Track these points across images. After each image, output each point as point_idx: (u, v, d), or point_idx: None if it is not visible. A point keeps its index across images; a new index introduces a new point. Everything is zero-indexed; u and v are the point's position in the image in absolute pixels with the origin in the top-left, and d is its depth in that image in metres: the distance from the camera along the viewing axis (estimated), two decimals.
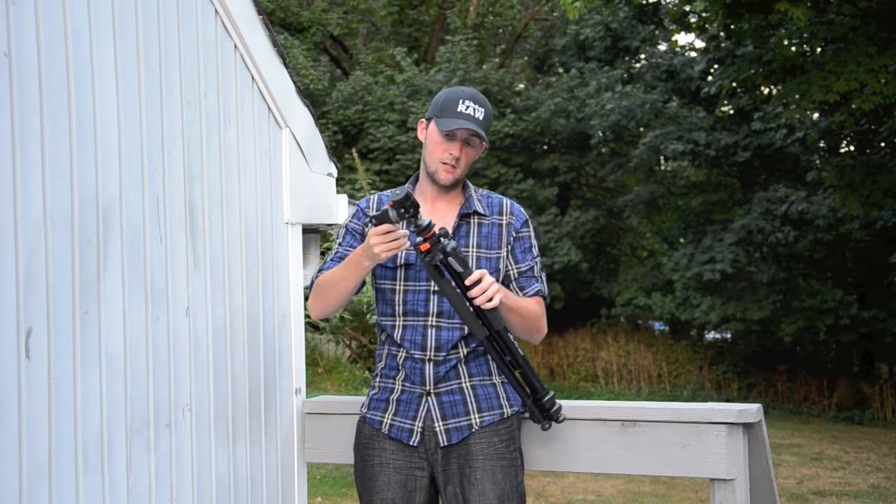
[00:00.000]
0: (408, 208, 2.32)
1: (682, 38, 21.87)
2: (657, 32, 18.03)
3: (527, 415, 2.71)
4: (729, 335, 18.64)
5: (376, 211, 2.66)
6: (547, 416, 2.61)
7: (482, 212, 2.66)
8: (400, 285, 2.63)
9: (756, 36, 11.22)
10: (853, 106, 10.85)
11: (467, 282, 2.39)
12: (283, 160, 3.06)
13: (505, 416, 2.63)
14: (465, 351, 2.61)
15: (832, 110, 12.93)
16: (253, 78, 2.92)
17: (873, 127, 13.15)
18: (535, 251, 2.71)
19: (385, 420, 2.65)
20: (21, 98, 1.98)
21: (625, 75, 18.07)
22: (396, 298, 2.63)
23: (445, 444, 2.58)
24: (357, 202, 2.84)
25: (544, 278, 2.72)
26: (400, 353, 2.64)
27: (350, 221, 2.75)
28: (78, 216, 2.14)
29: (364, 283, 2.65)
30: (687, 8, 12.62)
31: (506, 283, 2.65)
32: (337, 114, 17.76)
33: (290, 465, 3.05)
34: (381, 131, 17.48)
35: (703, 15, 12.34)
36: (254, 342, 2.88)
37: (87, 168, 2.18)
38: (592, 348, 17.94)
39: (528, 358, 2.58)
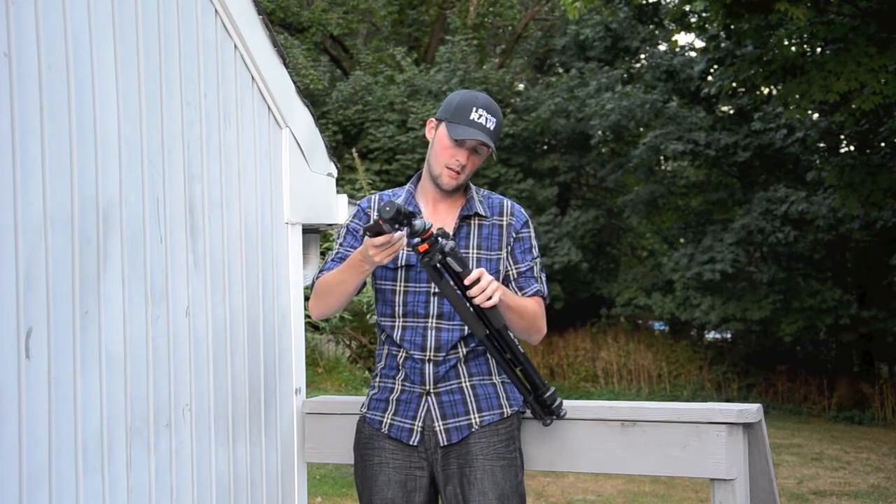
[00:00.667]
0: (400, 221, 2.31)
1: (682, 38, 21.87)
2: (657, 32, 18.04)
3: (527, 413, 2.71)
4: (729, 335, 18.65)
5: (377, 211, 2.66)
6: (548, 411, 2.62)
7: (483, 213, 2.66)
8: (400, 286, 2.63)
9: (756, 36, 11.22)
10: (853, 106, 10.85)
11: (466, 281, 2.39)
12: (283, 160, 3.06)
13: (505, 415, 2.63)
14: (464, 351, 2.61)
15: (832, 110, 12.93)
16: (253, 78, 2.92)
17: (873, 127, 13.15)
18: (536, 252, 2.71)
19: (385, 420, 2.65)
20: (21, 98, 1.98)
21: (625, 75, 18.07)
22: (396, 299, 2.63)
23: (445, 443, 2.58)
24: (357, 202, 2.84)
25: (544, 279, 2.72)
26: (400, 354, 2.64)
27: (351, 221, 2.75)
28: (78, 216, 2.15)
29: (364, 284, 2.65)
30: (687, 8, 12.62)
31: (505, 283, 2.65)
32: (337, 114, 17.76)
33: (290, 465, 3.05)
34: (381, 131, 17.48)
35: (703, 15, 12.35)
36: (254, 342, 2.88)
37: (87, 168, 2.18)
38: (592, 348, 17.94)
39: (528, 355, 2.58)
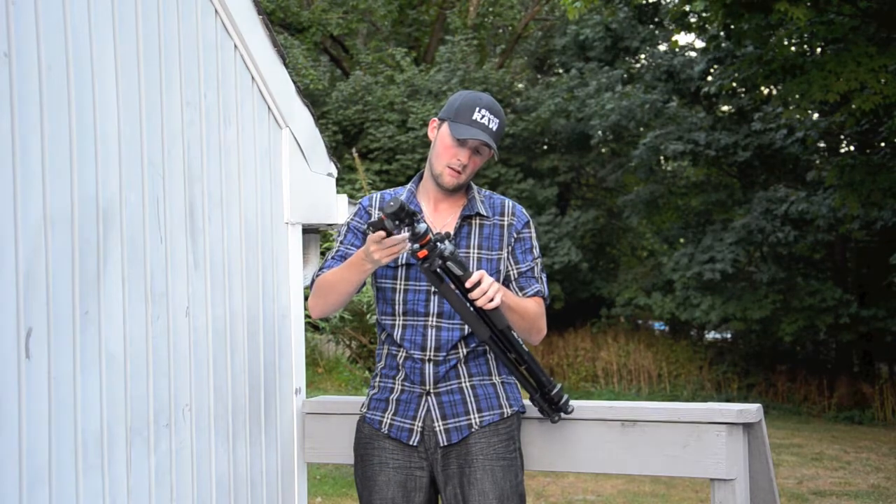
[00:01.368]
0: (402, 218, 2.30)
1: (682, 38, 21.86)
2: (657, 32, 18.03)
3: (527, 413, 2.71)
4: (729, 335, 18.64)
5: (379, 208, 2.67)
6: (556, 408, 2.63)
7: (484, 213, 2.66)
8: (400, 285, 2.63)
9: (756, 36, 11.22)
10: (853, 106, 10.86)
11: (467, 284, 2.39)
12: (283, 160, 3.06)
13: (505, 415, 2.63)
14: (464, 351, 2.61)
15: (832, 110, 12.94)
16: (253, 78, 2.92)
17: (873, 127, 13.15)
18: (536, 252, 2.71)
19: (385, 420, 2.65)
20: (21, 98, 1.98)
21: (625, 75, 18.08)
22: (397, 298, 2.63)
23: (445, 443, 2.58)
24: (359, 201, 2.83)
25: (544, 279, 2.72)
26: (400, 353, 2.64)
27: (352, 220, 2.74)
28: (78, 216, 2.14)
29: (364, 283, 2.65)
30: (687, 8, 12.62)
31: (506, 283, 2.65)
32: (337, 114, 17.76)
33: (290, 465, 3.05)
34: (381, 131, 17.48)
35: (703, 15, 12.35)
36: (254, 342, 2.88)
37: (87, 168, 2.18)
38: (592, 348, 17.94)
39: (532, 354, 2.58)
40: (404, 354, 2.62)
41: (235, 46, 2.83)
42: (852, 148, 14.85)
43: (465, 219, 2.66)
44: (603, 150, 19.83)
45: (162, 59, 2.47)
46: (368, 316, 7.83)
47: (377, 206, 2.73)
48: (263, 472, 2.91)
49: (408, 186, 2.74)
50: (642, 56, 18.70)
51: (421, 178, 2.73)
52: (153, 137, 2.43)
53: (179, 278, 2.52)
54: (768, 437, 2.79)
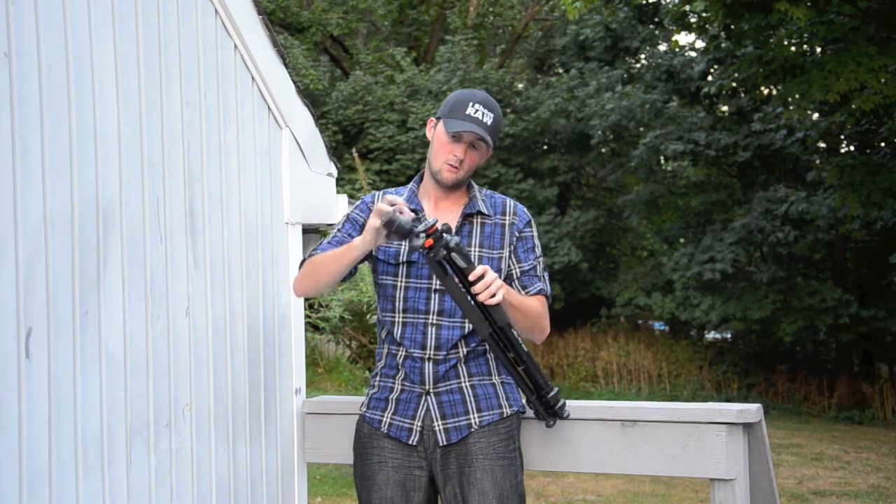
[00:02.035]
0: (415, 212, 2.35)
1: (682, 38, 21.86)
2: (657, 32, 18.03)
3: (527, 413, 2.71)
4: (729, 335, 18.64)
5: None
6: (552, 412, 2.61)
7: (486, 212, 2.67)
8: (401, 282, 2.63)
9: (756, 36, 11.22)
10: (853, 106, 10.86)
11: (471, 277, 2.38)
12: (283, 160, 3.06)
13: (504, 415, 2.63)
14: (464, 350, 2.61)
15: (832, 110, 12.93)
16: (253, 78, 2.92)
17: (873, 127, 13.15)
18: (538, 251, 2.71)
19: (384, 419, 2.65)
20: (21, 98, 1.98)
21: (625, 75, 18.07)
22: (397, 294, 2.63)
23: (444, 443, 2.58)
24: (362, 197, 2.82)
25: (547, 278, 2.72)
26: (400, 352, 2.64)
27: (353, 212, 2.73)
28: (78, 216, 2.14)
29: (354, 272, 2.64)
30: (687, 8, 12.62)
31: (508, 282, 2.65)
32: (337, 114, 17.76)
33: (290, 465, 3.05)
34: (381, 131, 17.48)
35: (703, 15, 12.35)
36: (254, 342, 2.88)
37: (87, 168, 2.18)
38: (592, 348, 17.94)
39: (531, 355, 2.57)
40: (404, 353, 2.62)
41: (235, 46, 2.83)
42: (852, 148, 14.85)
43: (467, 217, 2.66)
44: (603, 150, 19.82)
45: (162, 59, 2.47)
46: (368, 316, 7.83)
47: (380, 196, 2.73)
48: (263, 472, 2.91)
49: (409, 186, 2.74)
50: (642, 56, 18.70)
51: (422, 178, 2.73)
52: (153, 137, 2.43)
53: (179, 278, 2.52)
54: (768, 437, 2.79)
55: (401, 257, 2.62)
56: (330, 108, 17.84)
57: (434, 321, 2.60)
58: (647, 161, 16.74)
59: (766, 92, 15.43)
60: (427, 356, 2.59)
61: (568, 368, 17.91)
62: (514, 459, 2.62)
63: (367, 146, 17.50)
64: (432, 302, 2.60)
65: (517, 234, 2.68)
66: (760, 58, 11.62)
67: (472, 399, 2.60)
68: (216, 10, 2.73)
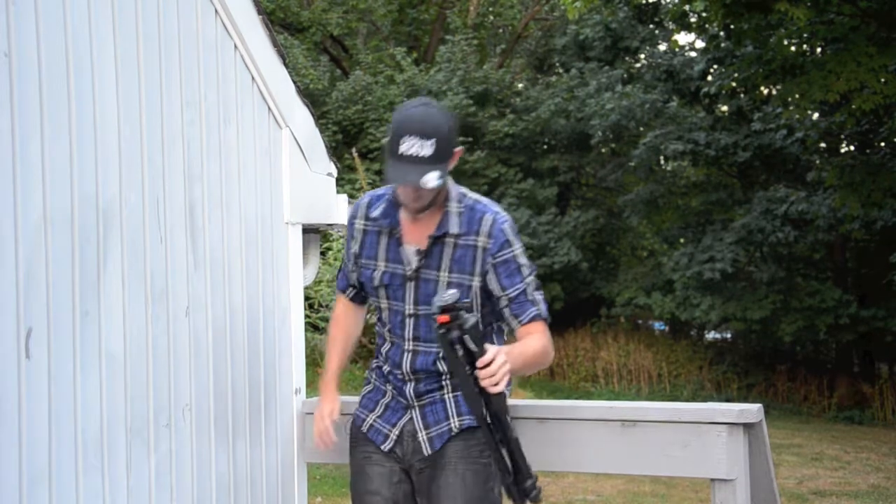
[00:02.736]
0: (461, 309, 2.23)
1: (682, 38, 21.86)
2: (657, 32, 18.03)
3: (522, 415, 2.70)
4: (729, 335, 18.65)
5: (372, 208, 2.62)
6: (524, 496, 2.42)
7: (456, 232, 2.48)
8: (384, 303, 2.61)
9: (756, 36, 11.22)
10: (853, 106, 10.86)
11: (479, 363, 2.25)
12: (283, 160, 3.06)
13: None
14: (443, 368, 2.56)
15: (832, 110, 12.94)
16: (253, 78, 2.91)
17: (873, 127, 13.15)
18: (526, 270, 2.51)
19: (368, 420, 2.66)
20: (21, 98, 1.97)
21: (625, 75, 18.07)
22: (384, 316, 2.64)
23: (429, 452, 2.55)
24: (350, 211, 2.75)
25: (539, 298, 2.53)
26: (386, 367, 2.66)
27: (347, 230, 2.72)
28: (78, 216, 2.14)
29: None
30: (687, 8, 12.62)
31: (491, 303, 2.53)
32: (337, 114, 17.76)
33: (290, 465, 3.05)
34: (381, 131, 17.48)
35: (703, 15, 12.35)
36: (254, 342, 2.88)
37: (87, 168, 2.18)
38: (592, 348, 17.93)
39: (519, 441, 2.41)
40: (388, 369, 2.64)
41: (235, 46, 2.82)
42: (852, 148, 14.86)
43: (437, 239, 2.49)
44: (603, 150, 19.82)
45: (162, 59, 2.47)
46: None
47: (365, 206, 2.63)
48: (263, 471, 2.91)
49: (386, 196, 2.59)
50: (642, 56, 18.70)
51: None
52: (153, 137, 2.43)
53: (179, 278, 2.52)
54: (768, 437, 2.79)
55: (376, 282, 2.59)
56: (330, 107, 17.84)
57: (411, 347, 2.57)
58: (647, 161, 16.75)
59: (765, 92, 15.43)
60: (407, 378, 2.58)
61: (568, 368, 17.91)
62: (488, 466, 2.56)
63: (367, 146, 17.50)
64: (407, 329, 2.56)
65: (491, 260, 2.47)
66: (760, 58, 11.63)
67: (453, 405, 2.58)
68: (216, 10, 2.72)
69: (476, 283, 2.49)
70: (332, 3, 19.57)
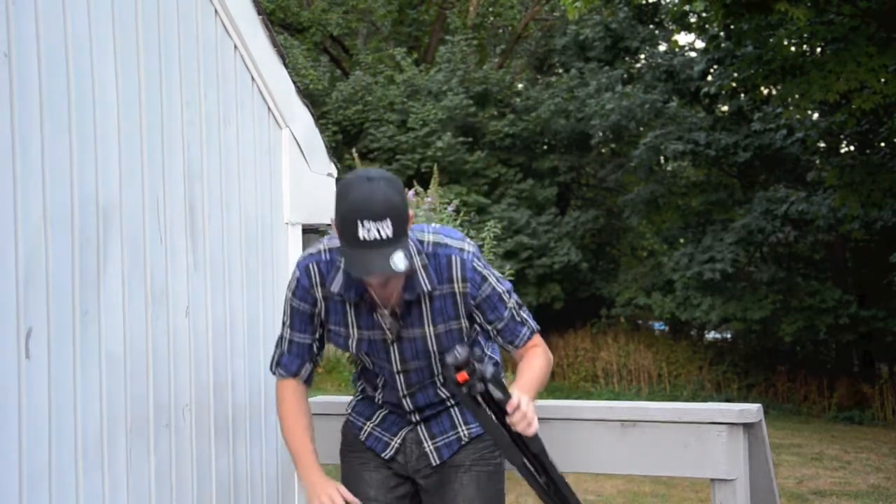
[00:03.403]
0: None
1: (682, 38, 21.86)
2: (657, 32, 18.03)
3: None
4: (729, 335, 18.64)
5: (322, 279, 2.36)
6: None
7: (429, 289, 2.33)
8: (366, 360, 2.49)
9: (756, 36, 11.22)
10: (853, 106, 10.86)
11: (508, 408, 2.19)
12: (283, 160, 3.06)
13: None
14: (446, 394, 2.50)
15: (832, 110, 12.94)
16: (253, 78, 2.91)
17: (873, 127, 13.16)
18: (506, 296, 2.41)
19: (366, 428, 2.58)
20: (21, 98, 1.98)
21: (625, 75, 18.08)
22: (368, 366, 2.51)
23: (437, 462, 2.51)
24: (295, 275, 2.41)
25: (526, 314, 2.48)
26: (379, 397, 2.54)
27: (294, 300, 2.40)
28: (78, 216, 2.14)
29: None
30: (687, 8, 12.62)
31: (471, 321, 2.45)
32: (337, 114, 17.77)
33: (290, 466, 3.05)
34: (381, 131, 17.49)
35: (703, 15, 12.36)
36: (254, 342, 2.88)
37: (87, 168, 2.18)
38: (592, 348, 17.93)
39: (565, 479, 2.35)
40: (382, 399, 2.53)
41: (235, 47, 2.82)
42: (852, 148, 14.85)
43: (410, 303, 2.34)
44: (603, 150, 19.82)
45: (162, 59, 2.47)
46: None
47: (317, 273, 2.37)
48: (263, 472, 2.91)
49: (336, 263, 2.33)
50: (642, 56, 18.70)
51: None
52: (153, 137, 2.43)
53: (179, 278, 2.52)
54: (768, 437, 2.79)
55: (352, 349, 2.44)
56: (330, 108, 17.84)
57: (406, 392, 2.48)
58: (647, 161, 16.74)
59: (765, 92, 15.43)
60: (409, 410, 2.50)
61: (568, 368, 17.91)
62: (499, 466, 2.56)
63: (367, 146, 17.50)
64: (399, 382, 2.45)
65: (473, 302, 2.37)
66: (760, 58, 11.63)
67: (458, 413, 2.53)
68: (216, 11, 2.73)
69: (464, 324, 2.40)
70: (332, 3, 19.57)
